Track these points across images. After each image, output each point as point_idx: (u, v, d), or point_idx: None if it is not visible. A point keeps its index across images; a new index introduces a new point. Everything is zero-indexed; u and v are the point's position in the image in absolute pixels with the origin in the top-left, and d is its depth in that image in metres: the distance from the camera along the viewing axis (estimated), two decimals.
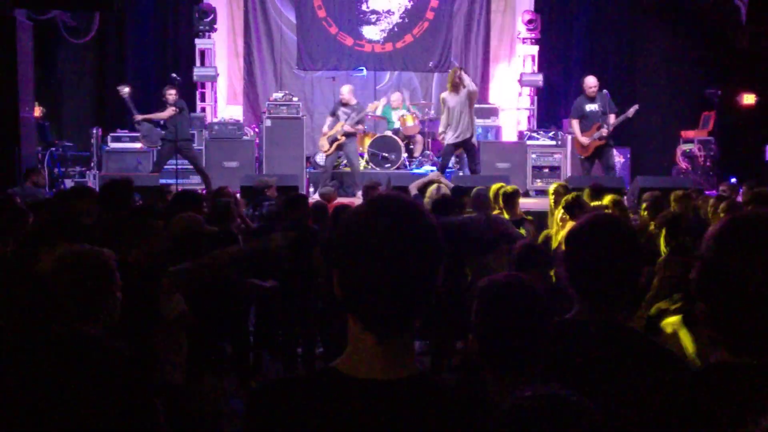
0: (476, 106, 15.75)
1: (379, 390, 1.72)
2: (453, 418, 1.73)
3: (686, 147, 15.05)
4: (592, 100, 12.76)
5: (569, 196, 7.19)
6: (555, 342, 2.54)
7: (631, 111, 12.59)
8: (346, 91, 14.28)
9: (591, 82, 12.88)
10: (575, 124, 12.83)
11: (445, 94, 12.69)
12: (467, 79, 12.41)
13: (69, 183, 13.63)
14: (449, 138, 12.62)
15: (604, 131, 12.52)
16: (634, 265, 2.63)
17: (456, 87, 12.38)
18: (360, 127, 14.07)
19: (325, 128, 14.21)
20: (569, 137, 15.06)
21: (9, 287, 3.65)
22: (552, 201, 9.31)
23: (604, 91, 13.00)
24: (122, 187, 6.48)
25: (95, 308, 3.03)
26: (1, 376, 2.76)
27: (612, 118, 12.58)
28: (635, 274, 2.64)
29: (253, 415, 1.77)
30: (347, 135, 13.80)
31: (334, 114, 14.21)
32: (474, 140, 12.84)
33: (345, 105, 14.09)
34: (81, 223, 4.91)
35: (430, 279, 1.74)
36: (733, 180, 11.51)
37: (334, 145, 13.88)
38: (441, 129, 12.77)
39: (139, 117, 13.05)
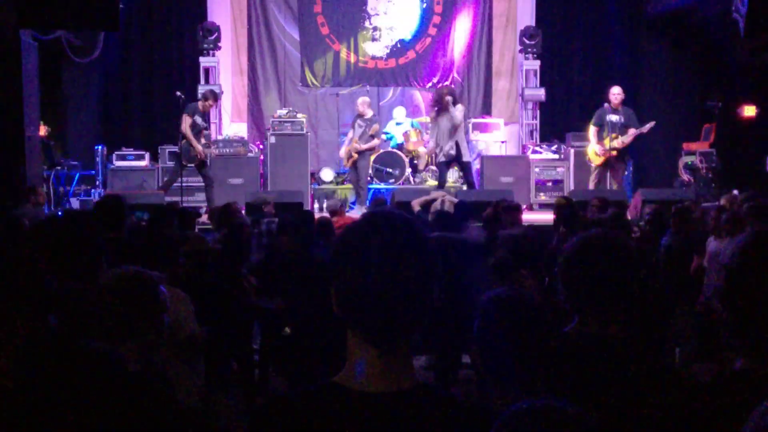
0: (480, 120, 15.90)
1: (379, 402, 1.75)
2: (454, 428, 1.76)
3: (688, 159, 15.05)
4: (615, 110, 12.71)
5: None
6: (554, 355, 2.60)
7: (647, 127, 12.59)
8: (360, 103, 14.34)
9: (616, 90, 12.82)
10: (593, 131, 12.79)
11: (433, 114, 12.76)
12: (453, 109, 12.37)
13: (74, 202, 13.70)
14: (439, 156, 12.71)
15: (618, 143, 12.54)
16: (629, 281, 2.66)
17: (445, 107, 12.40)
18: (374, 142, 14.10)
19: (346, 140, 14.35)
20: (572, 150, 15.10)
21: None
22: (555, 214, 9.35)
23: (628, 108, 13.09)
24: (115, 205, 6.43)
25: (138, 331, 3.06)
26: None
27: (631, 132, 12.57)
28: (630, 289, 2.67)
29: (258, 429, 1.81)
30: (360, 152, 13.86)
31: (353, 126, 14.29)
32: (466, 157, 12.79)
33: (360, 117, 14.15)
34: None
35: (425, 292, 1.77)
36: (735, 192, 11.51)
37: (351, 160, 13.95)
38: (431, 145, 12.79)
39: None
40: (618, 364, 2.56)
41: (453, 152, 12.50)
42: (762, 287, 1.99)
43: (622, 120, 12.59)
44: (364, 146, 13.84)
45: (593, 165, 12.92)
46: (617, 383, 2.52)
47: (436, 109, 12.57)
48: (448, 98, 12.39)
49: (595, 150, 12.73)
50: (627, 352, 2.62)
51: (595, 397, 2.46)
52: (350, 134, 14.28)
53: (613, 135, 12.52)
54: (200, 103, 12.96)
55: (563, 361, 2.60)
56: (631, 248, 2.73)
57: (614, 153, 12.65)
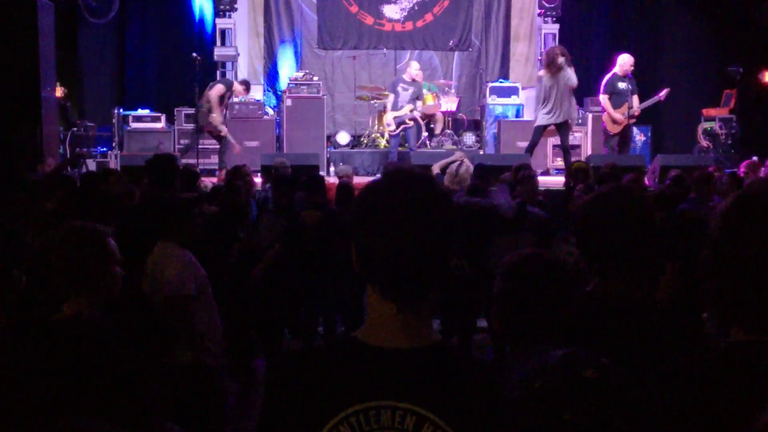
0: (497, 84, 15.78)
1: (399, 358, 1.77)
2: (471, 385, 1.77)
3: (707, 125, 14.94)
4: (622, 78, 12.53)
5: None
6: (574, 314, 2.57)
7: (663, 93, 12.46)
8: (415, 67, 14.19)
9: (629, 60, 12.56)
10: (606, 99, 12.54)
11: (541, 73, 12.44)
12: (568, 69, 11.99)
13: (91, 163, 13.71)
14: (539, 118, 12.31)
15: (636, 110, 12.43)
16: (648, 238, 2.63)
17: (550, 68, 11.99)
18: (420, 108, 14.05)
19: (389, 105, 13.99)
20: (590, 115, 14.99)
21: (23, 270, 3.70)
22: (570, 179, 9.32)
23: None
24: (168, 164, 6.58)
25: (89, 284, 3.06)
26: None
27: (635, 99, 12.43)
28: (649, 247, 2.63)
29: (274, 384, 1.81)
30: (413, 119, 13.79)
31: (394, 90, 14.02)
32: (570, 123, 12.47)
33: (414, 82, 13.98)
34: (112, 205, 4.97)
35: (444, 248, 1.79)
36: (755, 158, 11.41)
37: (401, 127, 13.79)
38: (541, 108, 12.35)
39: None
40: (636, 324, 2.55)
41: (562, 118, 12.06)
42: (747, 253, 1.93)
43: (630, 87, 12.45)
44: (419, 114, 13.78)
45: (611, 134, 12.70)
46: (635, 343, 2.50)
47: (550, 69, 12.03)
48: (561, 59, 11.97)
49: (613, 118, 12.52)
50: (645, 312, 2.60)
51: (615, 357, 2.44)
52: (391, 98, 13.93)
53: (626, 103, 12.37)
54: (237, 85, 13.12)
55: (582, 320, 2.57)
56: (648, 204, 2.70)
57: (633, 120, 12.52)
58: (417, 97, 13.90)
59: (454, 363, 1.80)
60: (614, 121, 12.53)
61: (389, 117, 13.82)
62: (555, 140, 14.86)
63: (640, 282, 2.64)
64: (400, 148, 13.98)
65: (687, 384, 2.08)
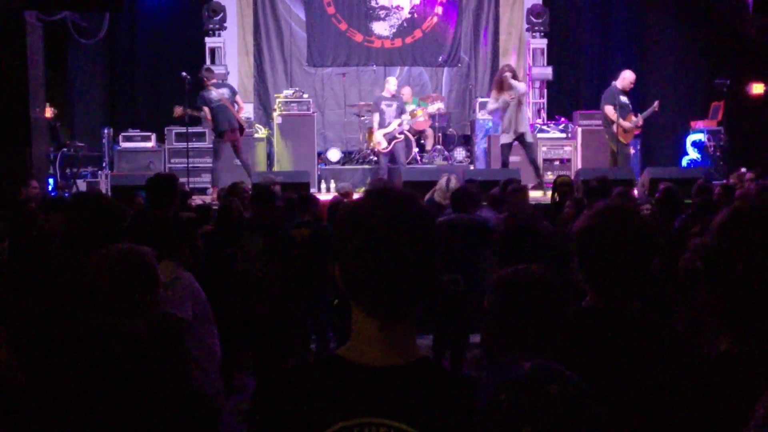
0: (487, 99, 15.78)
1: (382, 375, 1.78)
2: (455, 402, 1.77)
3: (696, 137, 15.00)
4: (622, 92, 12.53)
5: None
6: (570, 330, 2.59)
7: (656, 104, 12.62)
8: (392, 82, 14.33)
9: (632, 77, 12.59)
10: (612, 110, 12.43)
11: (493, 94, 12.66)
12: (513, 82, 12.30)
13: (81, 183, 13.70)
14: (501, 137, 12.65)
15: (640, 120, 12.54)
16: (646, 254, 2.63)
17: (501, 87, 12.35)
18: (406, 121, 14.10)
19: (375, 125, 14.06)
20: (579, 129, 15.03)
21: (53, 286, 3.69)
22: (555, 193, 9.36)
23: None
24: (168, 184, 6.56)
25: (137, 304, 3.06)
26: (44, 371, 2.79)
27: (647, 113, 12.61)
28: (647, 262, 2.64)
29: (260, 403, 1.83)
30: (403, 133, 13.85)
31: (378, 109, 14.07)
32: (528, 137, 12.71)
33: (393, 98, 14.10)
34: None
35: (426, 265, 1.80)
36: (743, 170, 11.46)
37: (393, 143, 13.85)
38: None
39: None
40: (633, 339, 2.56)
41: (521, 130, 12.45)
42: (741, 266, 1.95)
43: (627, 102, 12.52)
44: (405, 128, 13.84)
45: (623, 143, 12.58)
46: (633, 357, 2.52)
47: (500, 89, 12.40)
48: (508, 74, 12.31)
49: (624, 127, 12.46)
50: (643, 326, 2.61)
51: (610, 371, 2.48)
52: (376, 117, 14.02)
53: (630, 114, 12.44)
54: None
55: (579, 335, 2.59)
56: (647, 220, 2.71)
57: (639, 131, 12.56)
58: (402, 111, 13.97)
59: (438, 379, 1.81)
60: (625, 130, 12.51)
61: (378, 135, 13.86)
62: (546, 154, 14.93)
63: (636, 296, 2.65)
64: (389, 164, 14.03)
65: (678, 394, 2.10)
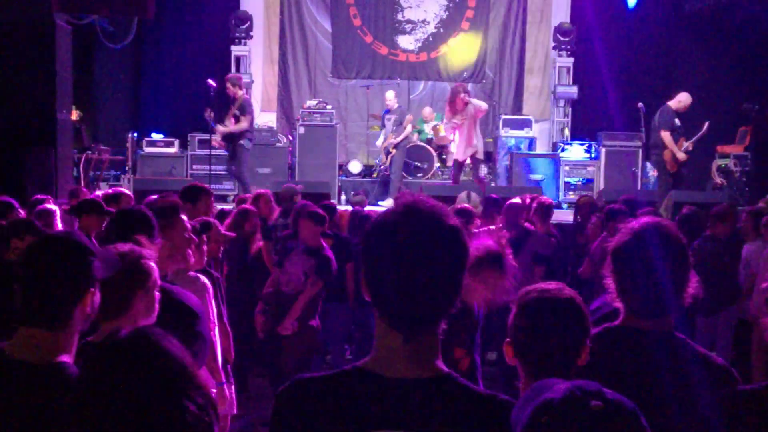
0: (510, 117, 15.81)
1: (403, 388, 1.76)
2: (477, 418, 1.77)
3: (722, 162, 14.89)
4: (677, 114, 12.15)
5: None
6: (602, 348, 2.57)
7: (706, 127, 12.27)
8: (389, 97, 14.50)
9: (688, 100, 12.23)
10: (669, 136, 11.95)
11: (449, 115, 12.64)
12: (470, 102, 12.39)
13: (104, 187, 13.74)
14: (456, 153, 12.72)
15: (690, 145, 12.11)
16: (684, 273, 2.61)
17: (455, 107, 12.39)
18: (407, 131, 14.15)
19: (381, 138, 14.55)
20: (603, 150, 14.97)
21: None
22: (578, 214, 9.32)
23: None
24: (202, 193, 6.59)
25: (130, 308, 3.04)
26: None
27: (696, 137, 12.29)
28: (684, 281, 2.62)
29: (280, 412, 1.82)
30: (396, 146, 13.91)
31: (383, 123, 14.42)
32: (480, 155, 12.82)
33: (389, 111, 14.26)
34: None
35: (454, 279, 1.79)
36: None
37: (389, 157, 14.01)
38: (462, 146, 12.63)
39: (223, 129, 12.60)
40: (667, 358, 2.54)
41: (474, 149, 12.56)
42: None
43: (680, 125, 12.21)
44: (399, 138, 13.86)
45: (671, 171, 12.15)
46: (668, 377, 2.50)
47: (455, 109, 12.43)
48: (464, 95, 12.36)
49: (677, 157, 11.96)
50: (676, 347, 2.58)
51: (645, 391, 2.44)
52: (382, 132, 14.37)
53: (682, 139, 11.99)
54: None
55: (613, 356, 2.57)
56: (683, 241, 2.67)
57: (687, 157, 12.15)
58: (399, 123, 14.14)
59: (461, 395, 1.80)
60: (675, 160, 12.03)
61: (381, 150, 14.15)
62: (569, 174, 14.87)
63: (669, 316, 2.61)
64: (411, 179, 14.14)
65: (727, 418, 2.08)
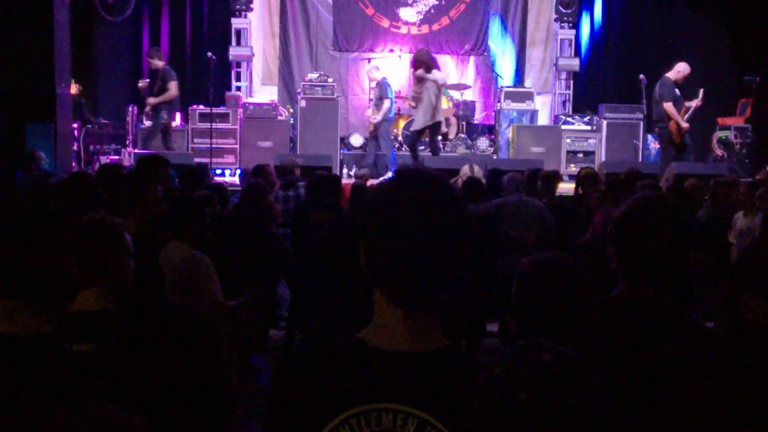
0: (512, 89, 15.77)
1: (402, 361, 1.74)
2: (472, 392, 1.71)
3: (723, 134, 14.85)
4: (677, 85, 12.19)
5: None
6: (600, 319, 2.58)
7: (701, 94, 12.36)
8: (367, 70, 14.66)
9: (687, 70, 12.26)
10: (672, 107, 11.99)
11: (418, 74, 12.66)
12: (430, 75, 12.42)
13: (104, 160, 13.74)
14: (416, 122, 12.75)
15: (691, 113, 12.20)
16: (683, 245, 2.61)
17: (422, 70, 12.44)
18: (384, 106, 13.85)
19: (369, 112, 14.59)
20: (605, 122, 14.94)
21: None
22: (578, 186, 9.33)
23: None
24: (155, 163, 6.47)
25: (103, 277, 3.05)
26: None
27: (689, 104, 12.27)
28: (684, 254, 2.62)
29: (279, 381, 1.80)
30: (376, 125, 13.90)
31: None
32: (444, 126, 13.05)
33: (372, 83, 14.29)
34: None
35: (456, 252, 1.74)
36: None
37: (372, 133, 14.02)
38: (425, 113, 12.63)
39: (152, 101, 12.96)
40: (666, 328, 2.54)
41: (439, 118, 12.63)
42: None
43: (681, 95, 12.24)
44: (378, 118, 13.78)
45: (677, 143, 12.20)
46: (666, 347, 2.50)
47: (423, 72, 12.46)
48: (430, 61, 12.46)
49: (681, 126, 12.05)
50: (674, 317, 2.59)
51: (638, 360, 2.47)
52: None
53: (684, 108, 12.07)
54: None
55: (612, 325, 2.57)
56: (684, 210, 2.67)
57: (688, 126, 12.20)
58: (379, 97, 13.98)
59: (459, 367, 1.77)
60: (680, 130, 12.10)
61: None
62: (570, 146, 14.85)
63: (667, 287, 2.62)
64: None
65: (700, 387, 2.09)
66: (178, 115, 14.75)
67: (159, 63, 12.94)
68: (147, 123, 13.42)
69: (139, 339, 2.79)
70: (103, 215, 3.23)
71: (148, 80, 13.03)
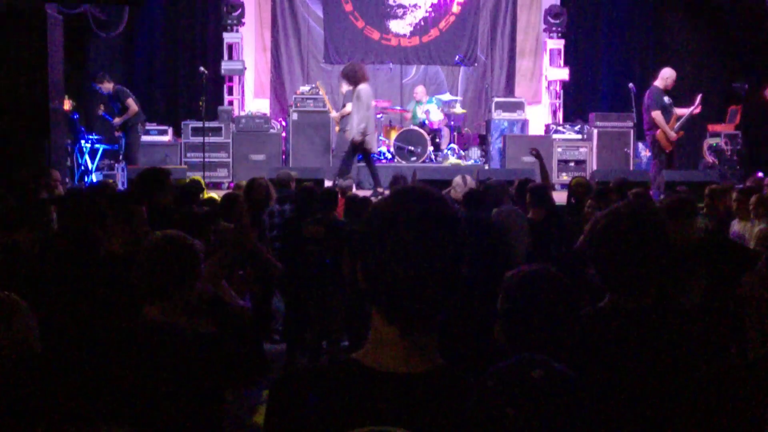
0: (503, 99, 15.82)
1: (399, 382, 1.73)
2: (468, 411, 1.73)
3: (713, 141, 14.93)
4: (665, 92, 12.21)
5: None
6: (587, 329, 2.60)
7: (699, 99, 12.36)
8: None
9: (673, 75, 12.26)
10: (660, 115, 12.04)
11: (345, 88, 12.67)
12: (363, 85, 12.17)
13: (98, 176, 13.76)
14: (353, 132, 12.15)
15: (683, 122, 12.18)
16: (661, 254, 2.64)
17: (352, 82, 12.20)
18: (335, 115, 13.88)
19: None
20: (595, 131, 15.01)
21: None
22: (571, 195, 9.35)
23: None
24: (155, 177, 6.50)
25: (174, 291, 3.08)
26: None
27: (680, 112, 12.26)
28: (662, 262, 2.65)
29: (275, 404, 1.79)
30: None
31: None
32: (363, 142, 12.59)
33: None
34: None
35: (453, 272, 1.74)
36: (760, 174, 11.41)
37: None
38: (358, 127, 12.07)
39: (118, 121, 13.30)
40: (652, 337, 2.57)
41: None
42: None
43: (671, 103, 12.28)
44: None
45: (667, 151, 12.29)
46: (652, 355, 2.53)
47: (351, 84, 12.21)
48: (361, 74, 12.22)
49: (669, 136, 12.11)
50: (660, 324, 2.62)
51: (626, 370, 2.49)
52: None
53: (674, 117, 12.11)
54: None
55: (598, 335, 2.60)
56: (662, 220, 2.71)
57: (681, 134, 12.30)
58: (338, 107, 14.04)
59: (456, 387, 1.75)
60: (668, 139, 12.15)
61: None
62: (561, 155, 14.91)
63: (650, 298, 2.65)
64: (404, 163, 14.12)
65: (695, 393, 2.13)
66: (170, 130, 14.82)
67: (109, 85, 13.25)
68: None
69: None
70: (177, 231, 3.28)
71: (102, 105, 13.21)
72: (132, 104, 13.09)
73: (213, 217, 6.25)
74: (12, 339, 2.58)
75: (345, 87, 12.75)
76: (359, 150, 12.21)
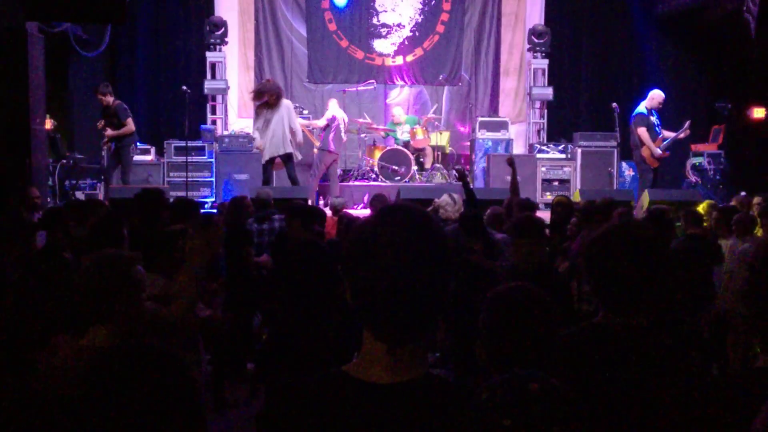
0: (487, 119, 15.84)
1: (382, 393, 1.75)
2: (455, 416, 1.75)
3: (696, 160, 15.00)
4: (652, 112, 12.61)
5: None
6: (578, 345, 2.63)
7: (687, 125, 12.73)
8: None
9: (661, 97, 12.73)
10: (645, 132, 12.48)
11: (262, 106, 12.81)
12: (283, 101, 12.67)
13: (80, 195, 13.67)
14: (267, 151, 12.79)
15: (669, 143, 12.58)
16: (655, 271, 2.65)
17: (272, 99, 12.59)
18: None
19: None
20: (579, 150, 15.04)
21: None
22: (553, 213, 9.34)
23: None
24: (155, 198, 6.54)
25: (114, 313, 3.03)
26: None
27: (666, 133, 12.63)
28: (656, 279, 2.65)
29: (270, 418, 1.83)
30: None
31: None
32: (298, 156, 13.10)
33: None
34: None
35: (440, 289, 1.75)
36: (743, 193, 11.45)
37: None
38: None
39: (111, 133, 13.03)
40: (644, 354, 2.58)
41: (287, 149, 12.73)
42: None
43: (657, 122, 12.51)
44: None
45: (652, 167, 12.68)
46: (642, 372, 2.54)
47: (272, 101, 12.63)
48: (281, 92, 12.73)
49: (653, 153, 12.51)
50: (652, 342, 2.63)
51: (617, 387, 2.51)
52: None
53: (660, 137, 12.50)
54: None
55: (590, 352, 2.61)
56: (655, 239, 2.72)
57: (667, 154, 12.63)
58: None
59: (440, 393, 1.78)
60: (653, 155, 12.54)
61: None
62: (545, 175, 14.93)
63: (645, 312, 2.65)
64: (388, 182, 14.12)
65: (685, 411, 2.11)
66: (152, 149, 14.76)
67: (110, 99, 13.00)
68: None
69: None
70: (117, 250, 3.22)
71: (102, 120, 13.01)
72: (130, 123, 12.88)
73: (184, 233, 6.20)
74: None
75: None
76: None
